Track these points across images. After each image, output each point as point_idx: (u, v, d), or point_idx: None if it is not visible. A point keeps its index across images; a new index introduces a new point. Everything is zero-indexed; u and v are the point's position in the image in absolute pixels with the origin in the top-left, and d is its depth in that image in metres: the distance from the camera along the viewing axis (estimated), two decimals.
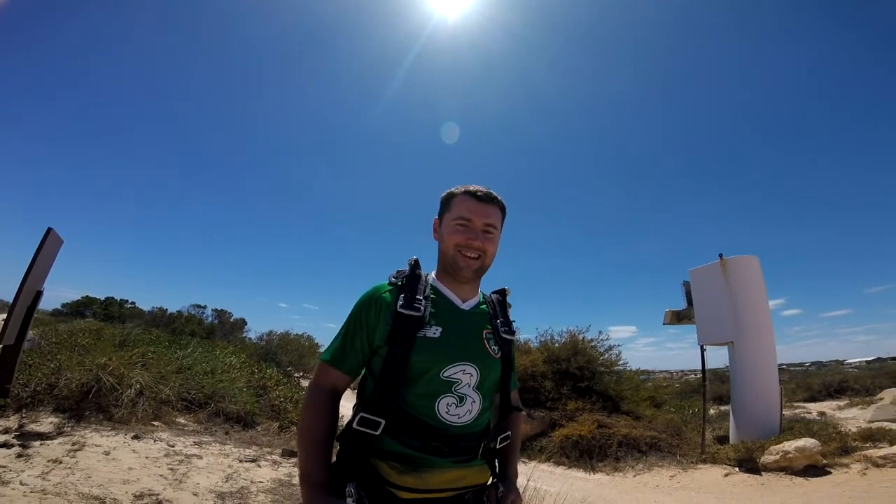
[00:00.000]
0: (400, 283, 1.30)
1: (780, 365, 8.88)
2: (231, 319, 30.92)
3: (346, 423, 1.25)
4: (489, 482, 1.34)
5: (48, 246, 5.56)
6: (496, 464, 1.39)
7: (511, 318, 1.47)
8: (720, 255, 8.64)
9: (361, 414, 1.18)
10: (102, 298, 32.41)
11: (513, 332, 1.42)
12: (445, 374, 1.22)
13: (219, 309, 31.02)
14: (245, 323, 31.38)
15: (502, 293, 1.50)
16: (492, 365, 1.30)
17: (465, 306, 1.36)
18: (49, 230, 5.52)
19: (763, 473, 6.15)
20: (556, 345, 11.44)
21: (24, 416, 4.58)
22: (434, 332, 1.24)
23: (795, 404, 15.99)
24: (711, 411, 10.10)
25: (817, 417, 11.00)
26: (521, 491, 1.43)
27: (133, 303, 32.91)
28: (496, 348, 1.33)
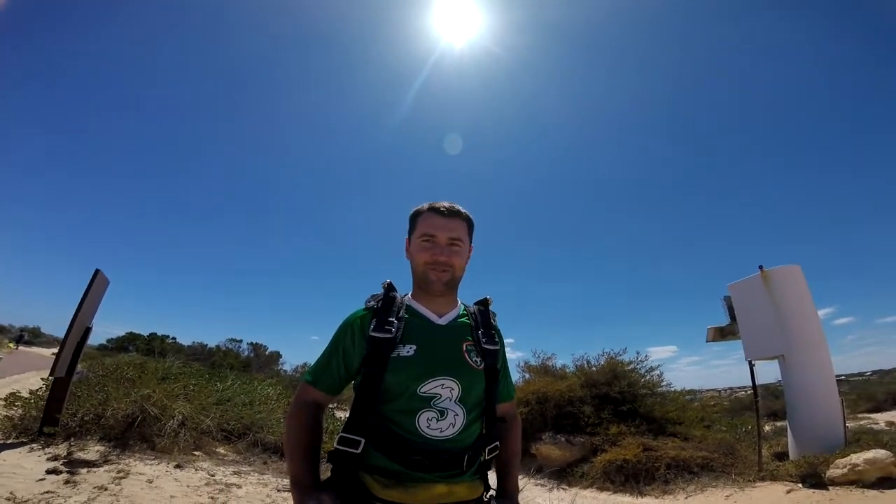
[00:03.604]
0: (375, 307, 1.34)
1: (837, 376, 8.31)
2: (266, 352, 31.52)
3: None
4: (486, 497, 1.33)
5: (96, 286, 5.87)
6: (491, 478, 1.39)
7: (496, 326, 1.46)
8: (760, 267, 8.25)
9: (342, 434, 1.24)
10: (146, 335, 33.61)
11: (496, 343, 1.41)
12: (422, 390, 1.25)
13: (254, 342, 31.71)
14: (280, 356, 32.05)
15: (484, 303, 1.50)
16: (473, 377, 1.31)
17: (442, 321, 1.38)
18: (97, 272, 5.83)
19: (830, 488, 5.70)
20: (594, 369, 11.09)
21: (72, 444, 4.71)
22: (407, 350, 1.27)
23: (859, 415, 14.96)
24: (766, 428, 9.51)
25: (886, 428, 10.24)
26: None
27: (174, 338, 33.99)
28: (478, 360, 1.34)
